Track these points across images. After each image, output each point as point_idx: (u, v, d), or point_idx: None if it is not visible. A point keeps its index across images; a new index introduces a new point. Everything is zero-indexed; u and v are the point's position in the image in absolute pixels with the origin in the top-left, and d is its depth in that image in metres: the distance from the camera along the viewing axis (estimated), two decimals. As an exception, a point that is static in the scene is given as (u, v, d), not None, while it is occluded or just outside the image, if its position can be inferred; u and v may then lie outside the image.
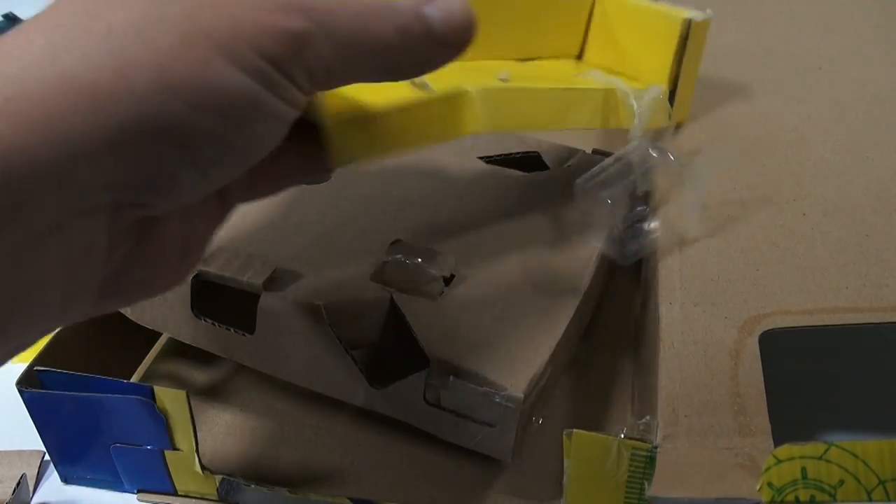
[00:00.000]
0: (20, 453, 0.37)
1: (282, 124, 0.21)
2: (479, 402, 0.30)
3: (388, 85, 0.25)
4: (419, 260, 0.34)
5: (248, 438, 0.36)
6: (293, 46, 0.20)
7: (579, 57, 0.44)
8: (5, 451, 0.37)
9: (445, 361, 0.31)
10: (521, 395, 0.30)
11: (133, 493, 0.35)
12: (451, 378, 0.30)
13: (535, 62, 0.42)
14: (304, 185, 0.40)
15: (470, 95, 0.30)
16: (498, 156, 0.43)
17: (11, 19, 0.67)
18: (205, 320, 0.33)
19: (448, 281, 0.34)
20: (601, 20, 0.42)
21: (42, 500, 0.36)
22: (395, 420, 0.33)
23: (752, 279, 0.33)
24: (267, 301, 0.32)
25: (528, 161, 0.43)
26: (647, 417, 0.28)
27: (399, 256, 0.34)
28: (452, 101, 0.29)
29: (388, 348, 0.33)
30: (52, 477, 0.36)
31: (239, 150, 0.21)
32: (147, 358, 0.41)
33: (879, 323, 0.30)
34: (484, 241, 0.37)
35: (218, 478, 0.33)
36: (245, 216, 0.37)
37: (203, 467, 0.33)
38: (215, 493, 0.34)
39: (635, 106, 0.38)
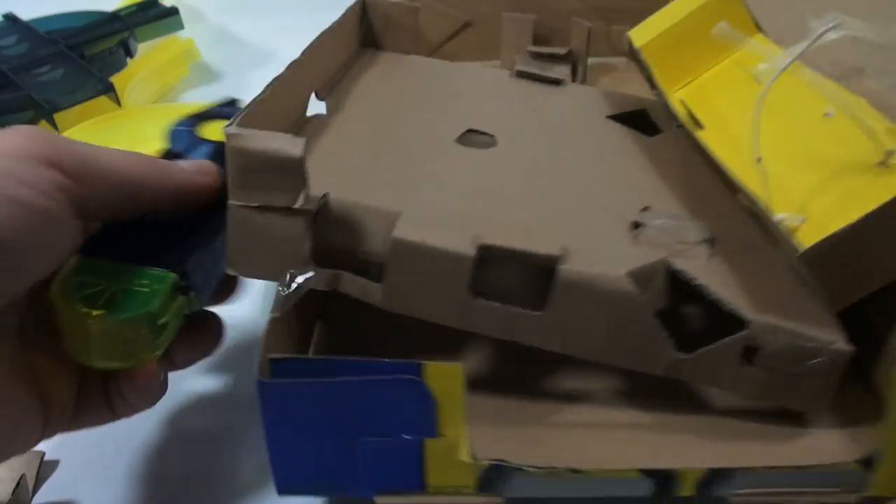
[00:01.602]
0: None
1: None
2: (807, 357, 0.29)
3: None
4: (677, 223, 0.33)
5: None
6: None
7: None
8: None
9: (761, 319, 0.30)
10: (847, 347, 0.29)
11: (370, 495, 0.30)
12: (773, 336, 0.29)
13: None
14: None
15: None
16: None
17: (12, 19, 0.61)
18: (483, 300, 0.30)
19: (710, 244, 0.33)
20: None
21: (41, 501, 0.35)
22: None
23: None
24: (567, 273, 0.30)
25: (637, 118, 0.44)
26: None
27: (658, 221, 0.33)
28: None
29: (686, 311, 0.32)
30: (52, 477, 0.36)
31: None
32: None
33: None
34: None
35: (482, 465, 0.29)
36: (461, 183, 0.35)
37: (470, 454, 0.29)
38: (474, 484, 0.30)
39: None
